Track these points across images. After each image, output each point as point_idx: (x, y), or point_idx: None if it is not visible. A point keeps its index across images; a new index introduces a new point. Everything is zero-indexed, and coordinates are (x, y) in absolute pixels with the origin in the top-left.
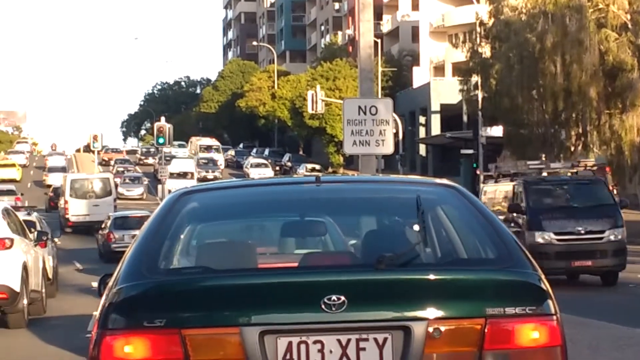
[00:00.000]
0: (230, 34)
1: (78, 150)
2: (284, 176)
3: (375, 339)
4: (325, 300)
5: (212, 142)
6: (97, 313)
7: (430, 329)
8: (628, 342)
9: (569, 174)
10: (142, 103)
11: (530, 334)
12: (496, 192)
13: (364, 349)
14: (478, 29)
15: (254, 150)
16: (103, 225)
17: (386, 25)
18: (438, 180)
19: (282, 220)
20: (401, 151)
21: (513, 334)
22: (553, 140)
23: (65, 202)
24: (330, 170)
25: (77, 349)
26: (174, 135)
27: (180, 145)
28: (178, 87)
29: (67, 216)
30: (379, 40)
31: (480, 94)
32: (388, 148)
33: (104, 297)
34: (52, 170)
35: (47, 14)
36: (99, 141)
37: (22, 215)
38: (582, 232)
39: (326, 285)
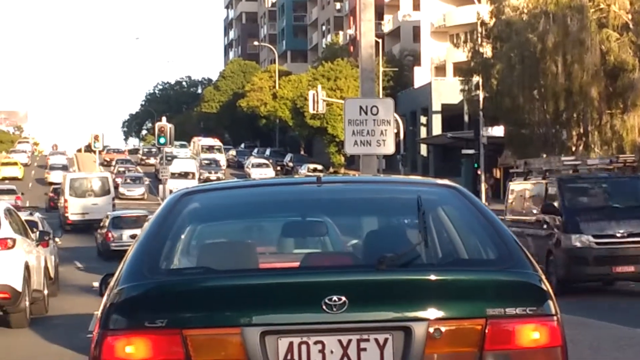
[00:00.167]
0: (231, 34)
1: (79, 150)
2: (286, 176)
3: (376, 340)
4: (326, 300)
5: (214, 142)
6: (98, 313)
7: (431, 330)
8: (629, 342)
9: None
10: (143, 103)
11: (531, 334)
12: (525, 191)
13: (364, 349)
14: (479, 29)
15: (255, 150)
16: (102, 224)
17: (387, 25)
18: (439, 181)
19: (283, 220)
20: (402, 151)
21: (513, 334)
22: (554, 140)
23: (65, 200)
24: (331, 170)
25: (78, 348)
26: (175, 135)
27: (181, 146)
28: (179, 87)
29: (66, 215)
30: (380, 40)
31: (481, 94)
32: (389, 148)
33: (105, 297)
34: (54, 168)
35: (48, 14)
36: (100, 141)
37: (24, 216)
38: (625, 234)
39: (327, 285)
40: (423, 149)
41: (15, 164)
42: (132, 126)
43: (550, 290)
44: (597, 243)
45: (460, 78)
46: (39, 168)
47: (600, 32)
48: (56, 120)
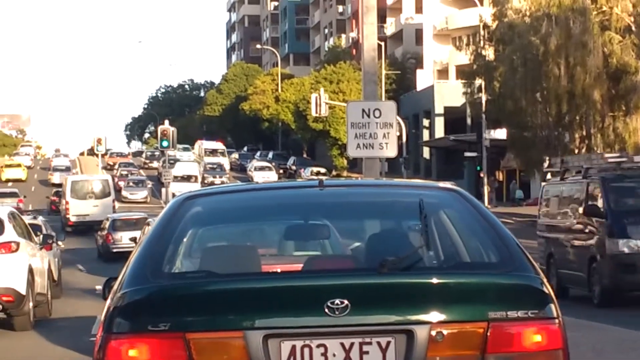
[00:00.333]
0: (234, 37)
1: (82, 154)
2: (289, 180)
3: (379, 343)
4: (329, 304)
5: (218, 145)
6: (101, 317)
7: (433, 333)
8: (632, 345)
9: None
10: (146, 106)
11: (533, 337)
12: (562, 192)
13: (367, 352)
14: (482, 32)
15: (258, 153)
16: (102, 227)
17: (390, 28)
18: (441, 184)
19: (285, 224)
20: (405, 154)
21: (515, 337)
22: (557, 142)
23: (66, 202)
24: (334, 173)
25: (82, 350)
26: (178, 138)
27: (184, 149)
28: (182, 90)
29: (67, 216)
30: (382, 43)
31: (484, 97)
32: (392, 151)
33: (108, 301)
34: (57, 169)
35: (51, 18)
36: (103, 144)
37: (27, 219)
38: None
39: (329, 289)
40: (426, 152)
41: (18, 165)
42: (135, 129)
43: (552, 293)
44: None
45: (463, 81)
46: (42, 170)
47: (602, 35)
48: (59, 123)
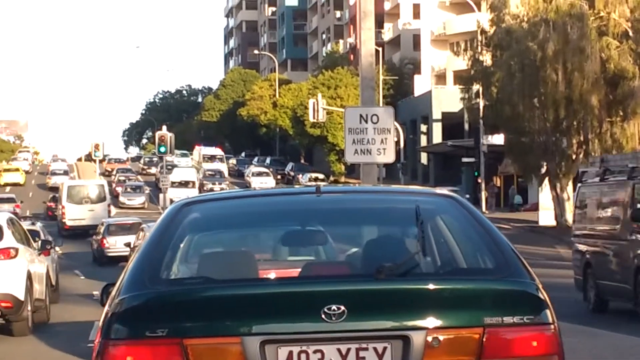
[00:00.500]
0: (231, 43)
1: (80, 159)
2: (287, 186)
3: (375, 349)
4: (325, 309)
5: (216, 151)
6: (99, 322)
7: (429, 338)
8: (630, 351)
9: None
10: (143, 112)
11: (528, 343)
12: (602, 195)
13: (363, 358)
14: (479, 37)
15: (256, 159)
16: (97, 231)
17: (387, 34)
18: (437, 191)
19: (282, 230)
20: (402, 160)
21: (511, 343)
22: (554, 148)
23: (63, 207)
24: (332, 178)
25: (80, 354)
26: (176, 144)
27: (183, 155)
28: (179, 95)
29: (64, 220)
30: (380, 49)
31: (481, 102)
32: (389, 156)
33: (106, 307)
34: (55, 173)
35: (48, 23)
36: (100, 150)
37: (26, 225)
38: None
39: (326, 295)
40: (423, 158)
41: (17, 170)
42: (133, 135)
43: (547, 299)
44: None
45: (461, 86)
46: (40, 175)
47: (600, 40)
48: (56, 129)
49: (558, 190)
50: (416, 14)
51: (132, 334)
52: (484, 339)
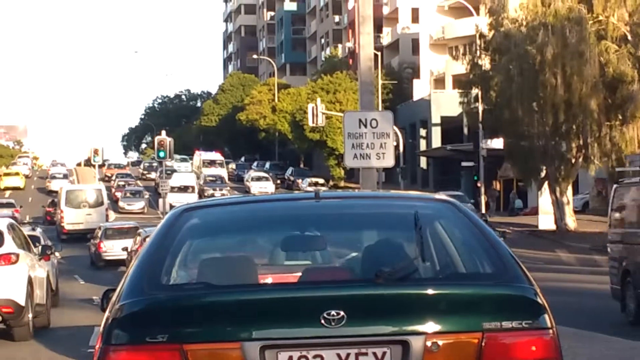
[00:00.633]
0: (230, 47)
1: (79, 164)
2: (287, 190)
3: (374, 353)
4: (325, 315)
5: (216, 156)
6: (100, 328)
7: (429, 343)
8: (630, 354)
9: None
10: (142, 117)
11: (527, 347)
12: None
13: None
14: (478, 41)
15: (255, 163)
16: (94, 235)
17: (386, 38)
18: (436, 196)
19: (282, 235)
20: (402, 164)
21: (510, 347)
22: (554, 152)
23: (61, 211)
24: (331, 183)
25: (81, 357)
26: (175, 148)
27: (182, 159)
28: (178, 100)
29: (62, 224)
30: (379, 53)
31: (480, 106)
32: (389, 161)
33: (107, 313)
34: (55, 177)
35: (47, 29)
36: (99, 155)
37: (26, 231)
38: None
39: (325, 300)
40: (422, 162)
41: (17, 174)
42: (132, 140)
43: (546, 304)
44: None
45: (460, 90)
46: (40, 180)
47: (599, 44)
48: (56, 134)
49: (558, 194)
50: (415, 19)
51: (133, 340)
52: (483, 344)
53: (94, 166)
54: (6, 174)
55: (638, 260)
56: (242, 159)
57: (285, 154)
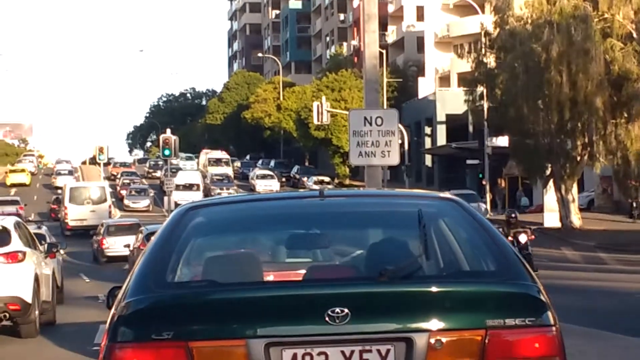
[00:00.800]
0: (235, 46)
1: (84, 163)
2: (292, 189)
3: (378, 350)
4: (329, 312)
5: (222, 155)
6: (106, 325)
7: (432, 340)
8: (636, 352)
9: None
10: (147, 115)
11: (530, 344)
12: None
13: None
14: (483, 39)
15: (260, 161)
16: (97, 232)
17: (391, 36)
18: (440, 194)
19: (286, 234)
20: (407, 162)
21: (513, 344)
22: (559, 150)
23: (65, 208)
24: (336, 181)
25: (87, 353)
26: (180, 147)
27: (187, 158)
28: (183, 98)
29: (66, 221)
30: (384, 51)
31: (485, 104)
32: (394, 159)
33: (113, 310)
34: (61, 173)
35: (52, 27)
36: (104, 153)
37: (32, 229)
38: None
39: (330, 297)
40: (428, 160)
41: (23, 170)
42: (137, 138)
43: (549, 301)
44: None
45: (465, 88)
46: (46, 177)
47: (604, 42)
48: (61, 132)
49: (563, 192)
50: (420, 17)
51: (138, 337)
52: (486, 341)
53: (99, 164)
54: (12, 171)
55: None
56: (247, 157)
57: (291, 152)
